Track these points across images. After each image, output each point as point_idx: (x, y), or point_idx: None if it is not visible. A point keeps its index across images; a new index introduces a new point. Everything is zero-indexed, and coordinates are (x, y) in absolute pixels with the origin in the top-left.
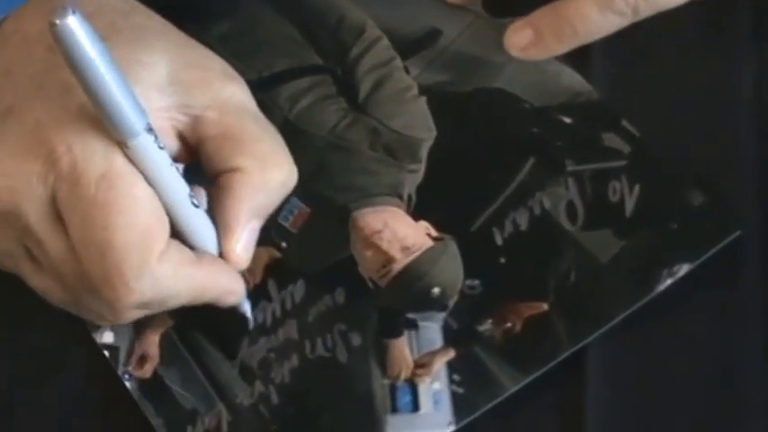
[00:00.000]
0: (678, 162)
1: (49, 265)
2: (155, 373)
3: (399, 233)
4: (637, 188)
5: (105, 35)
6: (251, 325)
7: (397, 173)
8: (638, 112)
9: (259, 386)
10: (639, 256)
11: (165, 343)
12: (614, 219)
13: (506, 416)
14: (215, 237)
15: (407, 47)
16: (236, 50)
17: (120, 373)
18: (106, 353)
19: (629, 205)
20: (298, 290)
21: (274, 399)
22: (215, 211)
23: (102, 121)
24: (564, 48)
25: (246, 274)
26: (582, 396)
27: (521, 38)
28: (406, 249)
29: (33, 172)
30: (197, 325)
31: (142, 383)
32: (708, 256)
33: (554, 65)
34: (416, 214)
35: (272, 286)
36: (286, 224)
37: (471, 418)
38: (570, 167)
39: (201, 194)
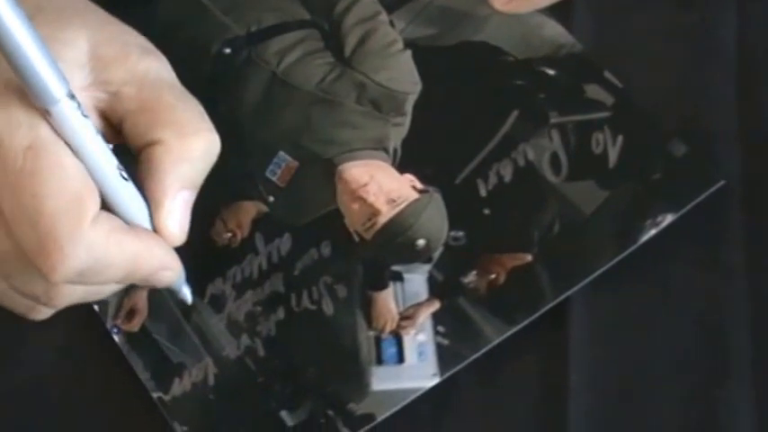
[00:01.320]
0: (661, 113)
1: None
2: (143, 326)
3: (385, 186)
4: (620, 139)
5: (30, 15)
6: (191, 299)
7: (382, 126)
8: (620, 64)
9: (245, 339)
10: (623, 206)
11: (153, 297)
12: (598, 170)
13: (490, 367)
14: (147, 213)
15: (393, 1)
16: (225, 6)
17: (108, 326)
18: (95, 307)
19: (613, 156)
20: (284, 243)
21: (261, 351)
22: (142, 187)
23: (25, 91)
24: (546, 1)
25: (235, 228)
26: (565, 347)
27: None
28: (391, 202)
29: None
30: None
31: (130, 337)
32: (691, 206)
33: (537, 17)
34: (402, 167)
35: (259, 240)
36: (273, 178)
37: (456, 369)
38: (554, 119)
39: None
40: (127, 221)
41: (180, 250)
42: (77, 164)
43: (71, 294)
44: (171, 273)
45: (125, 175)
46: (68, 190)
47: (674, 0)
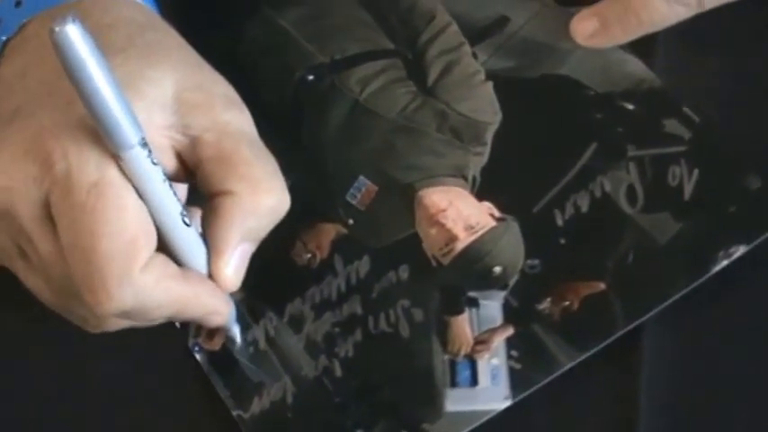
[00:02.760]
0: (736, 147)
1: (39, 265)
2: (223, 346)
3: (463, 212)
4: (696, 172)
5: (121, 48)
6: (238, 347)
7: (462, 155)
8: (699, 99)
9: (323, 360)
10: (697, 237)
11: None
12: (673, 202)
13: (562, 392)
14: (205, 257)
15: (476, 33)
16: (310, 34)
17: (189, 345)
18: (177, 324)
19: (688, 189)
20: (363, 266)
21: (338, 372)
22: (206, 233)
23: (98, 132)
24: (628, 37)
25: (314, 249)
26: (637, 376)
27: (587, 26)
28: (469, 228)
29: (30, 174)
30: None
31: (211, 356)
32: (763, 238)
33: (618, 53)
34: (480, 195)
35: (338, 261)
36: (354, 201)
37: (527, 392)
38: (631, 152)
39: (198, 215)
40: (182, 263)
41: (260, 270)
42: (139, 207)
43: (118, 324)
44: (219, 317)
45: (187, 221)
46: (125, 233)
47: (754, 38)
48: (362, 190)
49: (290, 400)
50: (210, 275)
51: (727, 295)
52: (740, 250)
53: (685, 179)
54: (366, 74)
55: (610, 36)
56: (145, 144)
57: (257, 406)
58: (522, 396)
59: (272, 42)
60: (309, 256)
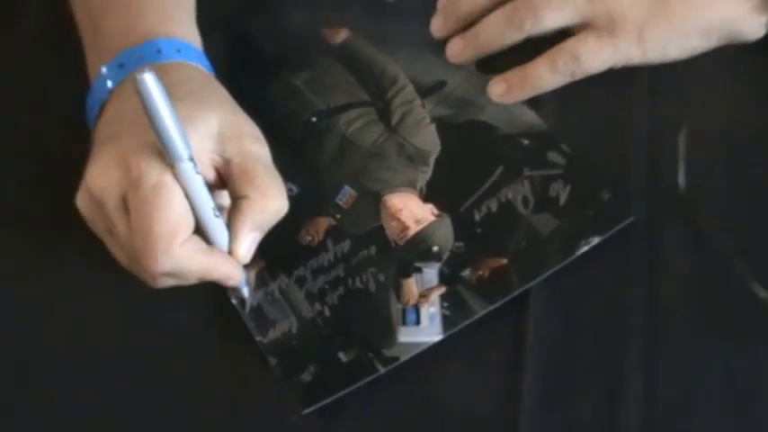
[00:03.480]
0: (594, 171)
1: (118, 240)
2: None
3: (413, 211)
4: (568, 188)
5: (183, 97)
6: (247, 306)
7: (413, 173)
8: (570, 138)
9: (317, 306)
10: (568, 231)
11: (259, 277)
12: (552, 207)
13: (475, 331)
14: (227, 240)
15: (425, 91)
16: (314, 89)
17: (228, 295)
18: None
19: (563, 198)
20: (346, 246)
21: (327, 314)
22: (229, 223)
23: (160, 149)
24: (526, 96)
25: (313, 234)
26: (525, 322)
27: (498, 89)
28: (417, 222)
29: (115, 178)
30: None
31: (241, 301)
32: (611, 233)
33: (519, 107)
34: (425, 199)
35: (329, 243)
36: (340, 203)
37: (453, 330)
38: (526, 173)
39: (226, 211)
40: (211, 243)
41: (277, 247)
42: (183, 203)
43: (166, 282)
44: (233, 281)
45: (217, 214)
46: (171, 220)
47: (603, 96)
48: (346, 195)
49: (294, 331)
50: (230, 252)
51: (586, 269)
52: (596, 240)
53: (561, 192)
54: (350, 117)
55: (513, 95)
56: (192, 159)
57: (272, 335)
58: (449, 333)
59: (288, 95)
60: (310, 238)
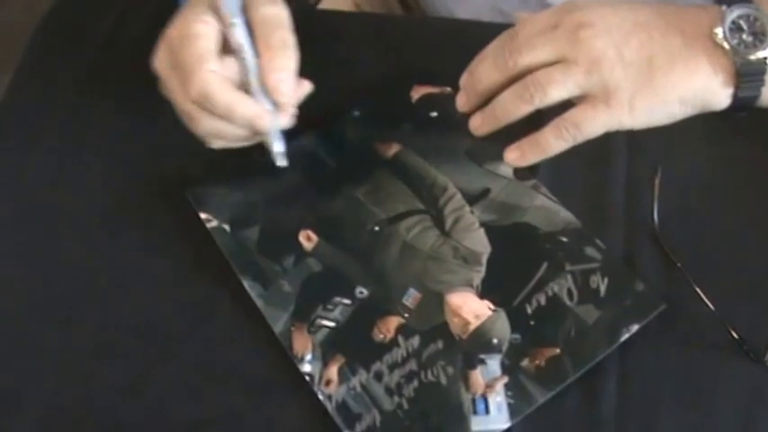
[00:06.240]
0: (629, 265)
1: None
2: (337, 392)
3: (472, 307)
4: (606, 280)
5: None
6: (283, 160)
7: (469, 272)
8: (603, 235)
9: (396, 398)
10: (610, 319)
11: (341, 372)
12: (594, 298)
13: (539, 417)
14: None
15: (472, 198)
16: (374, 201)
17: (316, 390)
18: (307, 378)
19: (603, 289)
20: (415, 341)
21: (405, 406)
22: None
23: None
24: (536, 159)
25: (385, 332)
26: (597, 403)
27: (513, 155)
28: (477, 317)
29: (163, 45)
30: (361, 362)
31: (328, 397)
32: (648, 319)
33: (556, 207)
34: (481, 296)
35: (400, 339)
36: (407, 303)
37: (519, 418)
38: (568, 268)
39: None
40: (252, 87)
41: (355, 346)
42: (208, 43)
43: (204, 120)
44: (262, 122)
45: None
46: (202, 50)
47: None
48: (412, 296)
49: (378, 424)
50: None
51: (628, 354)
52: (635, 327)
53: (600, 284)
54: (409, 224)
55: (526, 159)
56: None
57: (359, 428)
58: (516, 420)
59: (352, 206)
60: (382, 336)
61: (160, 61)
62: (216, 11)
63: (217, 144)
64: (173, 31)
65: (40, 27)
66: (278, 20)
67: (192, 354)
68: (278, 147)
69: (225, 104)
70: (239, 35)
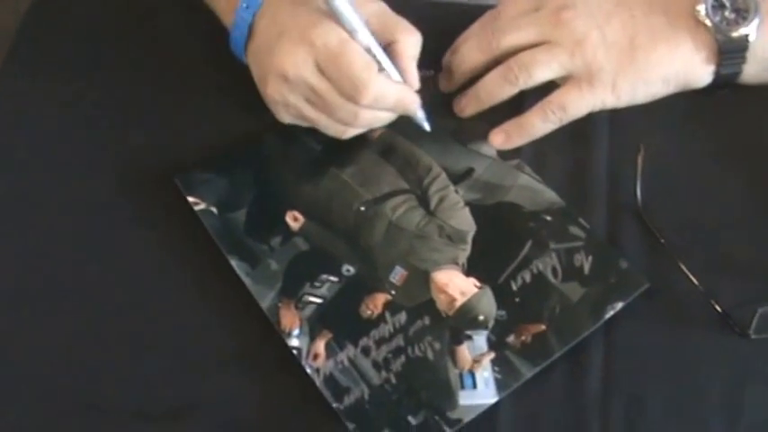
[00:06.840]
0: (612, 242)
1: (320, 99)
2: (325, 366)
3: (458, 285)
4: (590, 258)
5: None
6: (429, 127)
7: (455, 251)
8: (586, 213)
9: (383, 373)
10: (594, 297)
11: (328, 347)
12: (579, 275)
13: (524, 392)
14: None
15: (456, 178)
16: (360, 181)
17: (303, 364)
18: (294, 352)
19: (587, 267)
20: (402, 317)
21: (393, 380)
22: (395, 64)
23: (333, 23)
24: (522, 142)
25: (373, 308)
26: (583, 379)
27: (498, 138)
28: (462, 294)
29: (302, 54)
30: (348, 337)
31: (316, 371)
32: (632, 297)
33: (540, 186)
34: (467, 273)
35: (387, 315)
36: (394, 280)
37: (506, 393)
38: (552, 246)
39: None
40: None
41: (344, 323)
42: (362, 49)
43: (366, 117)
44: (414, 105)
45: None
46: (364, 58)
47: (579, 121)
48: (398, 274)
49: (366, 397)
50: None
51: (614, 330)
52: (619, 305)
53: (584, 262)
54: (394, 204)
55: (511, 143)
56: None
57: (347, 401)
58: (503, 395)
59: (338, 188)
60: (369, 312)
61: (285, 101)
62: (336, 21)
63: (351, 133)
64: (316, 39)
65: (26, 17)
66: (388, 12)
67: (180, 333)
68: (422, 114)
69: (395, 100)
70: (366, 38)
